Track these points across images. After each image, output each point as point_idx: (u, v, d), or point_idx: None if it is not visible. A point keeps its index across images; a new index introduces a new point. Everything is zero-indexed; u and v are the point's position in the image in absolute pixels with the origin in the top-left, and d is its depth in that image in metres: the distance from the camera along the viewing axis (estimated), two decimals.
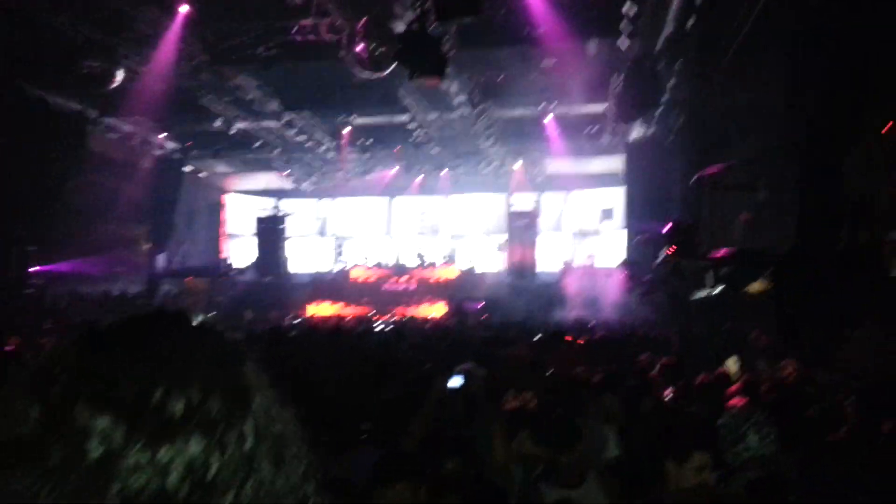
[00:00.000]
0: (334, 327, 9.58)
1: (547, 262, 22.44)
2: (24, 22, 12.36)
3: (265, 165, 23.76)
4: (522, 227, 22.22)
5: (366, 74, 13.54)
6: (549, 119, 17.91)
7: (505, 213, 23.17)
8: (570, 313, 16.72)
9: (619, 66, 13.90)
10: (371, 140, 20.69)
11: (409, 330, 12.86)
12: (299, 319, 18.51)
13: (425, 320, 18.13)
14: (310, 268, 25.51)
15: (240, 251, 25.19)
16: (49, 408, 0.71)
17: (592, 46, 14.03)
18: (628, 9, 10.74)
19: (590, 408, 5.08)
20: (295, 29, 13.09)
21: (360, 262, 23.77)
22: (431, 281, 22.24)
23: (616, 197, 21.19)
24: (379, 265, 23.53)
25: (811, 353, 7.01)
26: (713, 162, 11.02)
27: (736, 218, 10.24)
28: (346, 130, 19.71)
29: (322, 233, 27.05)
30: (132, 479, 0.69)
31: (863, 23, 7.08)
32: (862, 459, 3.66)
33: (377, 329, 14.00)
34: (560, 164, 22.43)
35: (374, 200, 26.06)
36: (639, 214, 16.55)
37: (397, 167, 23.42)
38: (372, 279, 22.89)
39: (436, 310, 20.18)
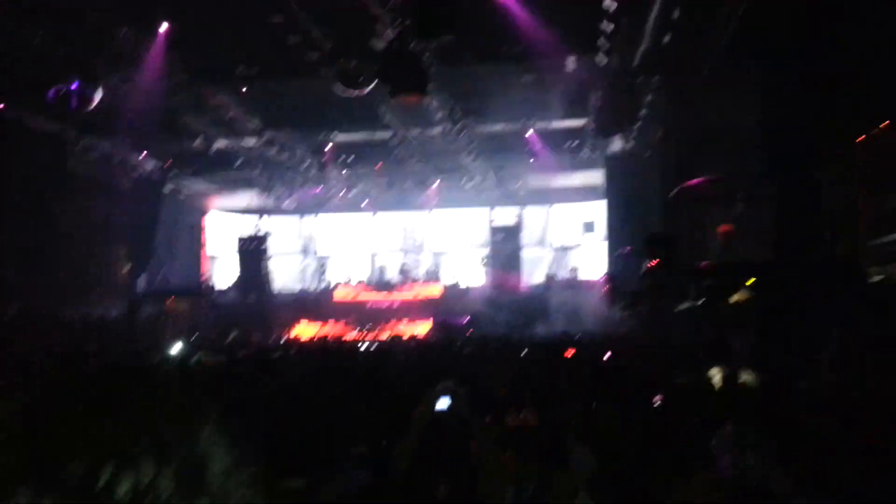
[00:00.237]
0: (320, 349, 9.53)
1: (531, 275, 22.53)
2: (1, 41, 12.26)
3: (246, 184, 23.65)
4: (505, 242, 22.30)
5: (347, 92, 13.59)
6: (529, 134, 18.04)
7: (488, 228, 23.23)
8: (555, 327, 16.78)
9: (597, 81, 14.09)
10: (353, 157, 20.70)
11: (395, 348, 12.80)
12: (284, 339, 18.38)
13: (411, 338, 18.09)
14: (293, 286, 25.39)
15: (222, 271, 24.99)
16: None
17: (571, 63, 14.20)
18: (605, 26, 10.89)
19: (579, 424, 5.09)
20: (275, 47, 13.10)
21: (344, 279, 23.69)
22: (416, 297, 22.21)
23: (597, 210, 21.36)
24: (363, 282, 23.47)
25: (793, 363, 7.09)
26: (691, 175, 11.16)
27: (715, 230, 10.37)
28: (328, 147, 19.71)
29: (305, 251, 26.95)
30: None
31: (835, 39, 7.25)
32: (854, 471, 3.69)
33: (363, 348, 13.93)
34: (542, 178, 22.61)
35: (357, 217, 26.04)
36: (620, 227, 16.71)
37: (379, 184, 23.45)
38: (356, 297, 22.81)
39: (421, 326, 20.15)
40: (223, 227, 26.24)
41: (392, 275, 23.54)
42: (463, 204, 24.68)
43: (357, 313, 21.62)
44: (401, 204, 24.80)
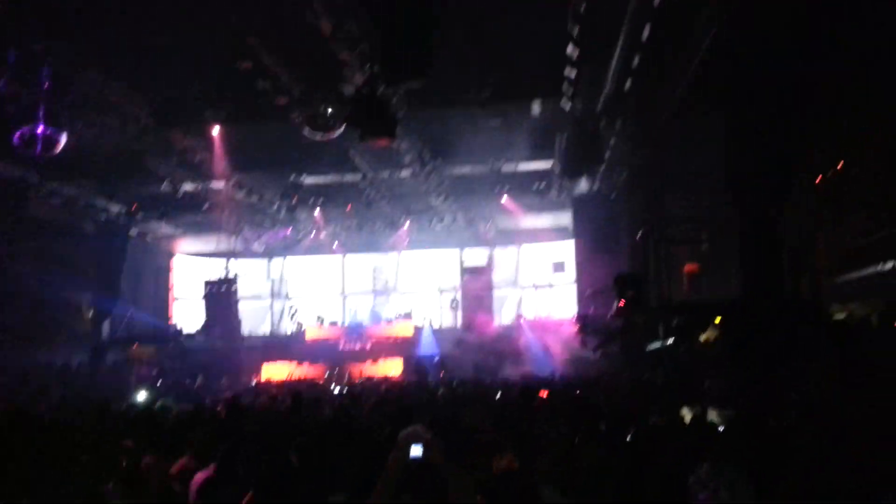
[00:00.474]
0: (291, 395, 9.39)
1: (502, 315, 22.58)
2: None
3: (214, 226, 23.46)
4: (476, 282, 22.36)
5: (316, 136, 13.66)
6: (498, 176, 18.25)
7: (458, 269, 23.29)
8: (527, 367, 16.80)
9: (562, 124, 14.40)
10: (322, 199, 20.70)
11: (366, 392, 12.66)
12: (254, 383, 18.09)
13: (383, 379, 17.92)
14: (263, 329, 25.07)
15: (189, 315, 24.58)
16: None
17: (536, 107, 14.52)
18: (569, 71, 11.18)
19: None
20: (244, 91, 13.15)
21: (315, 321, 23.46)
22: (387, 338, 22.06)
23: (567, 250, 21.59)
24: (334, 324, 23.27)
25: (762, 398, 7.18)
26: (656, 216, 11.40)
27: (681, 269, 10.57)
28: (297, 190, 19.69)
29: (275, 293, 26.69)
30: None
31: (795, 82, 7.55)
32: None
33: (335, 392, 13.77)
34: (511, 219, 22.85)
35: (327, 259, 25.94)
36: (588, 267, 16.91)
37: (348, 226, 23.45)
38: (327, 339, 22.57)
39: (393, 367, 19.99)
40: (191, 270, 25.91)
41: (363, 316, 23.39)
42: (433, 245, 24.77)
43: (329, 354, 21.38)
44: (371, 245, 24.78)
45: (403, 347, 21.24)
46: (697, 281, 10.36)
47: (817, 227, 8.54)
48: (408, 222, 22.54)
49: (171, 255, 26.05)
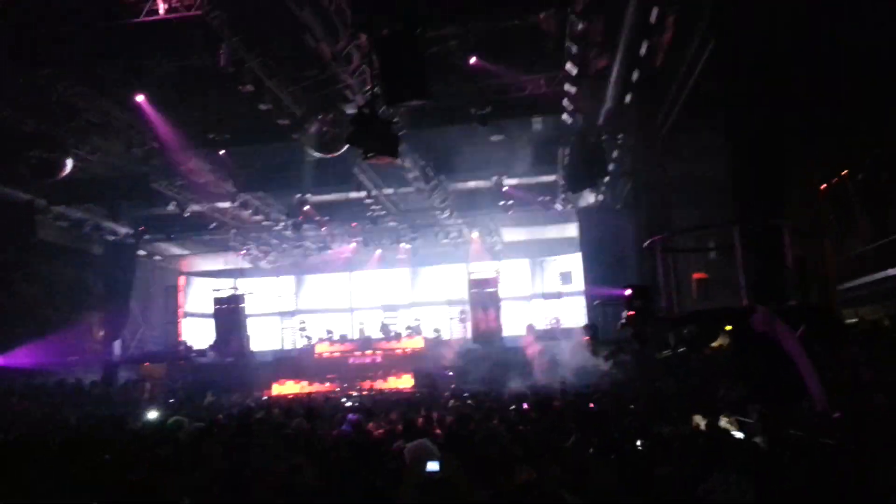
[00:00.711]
0: (305, 409, 9.41)
1: (511, 326, 22.56)
2: None
3: (222, 246, 23.59)
4: (484, 295, 22.35)
5: (319, 155, 13.74)
6: (503, 189, 18.30)
7: (466, 282, 23.31)
8: (538, 378, 16.78)
9: (565, 138, 14.45)
10: (328, 217, 20.79)
11: (378, 405, 12.67)
12: (265, 399, 18.12)
13: (394, 391, 17.94)
14: (273, 346, 25.14)
15: (199, 333, 24.67)
16: None
17: (538, 122, 14.59)
18: (569, 87, 11.24)
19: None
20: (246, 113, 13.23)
21: (325, 337, 23.51)
22: (397, 352, 22.08)
23: (574, 262, 21.57)
24: (344, 339, 23.30)
25: (774, 406, 7.15)
26: (662, 226, 11.39)
27: (690, 279, 10.53)
28: (303, 208, 19.78)
29: (283, 310, 26.80)
30: None
31: (793, 93, 7.57)
32: None
33: (346, 405, 13.79)
34: (517, 232, 22.90)
35: (335, 277, 26.03)
36: (595, 278, 16.89)
37: (355, 243, 23.52)
38: (337, 354, 22.60)
39: (403, 381, 20.00)
40: (199, 289, 26.04)
41: (373, 331, 23.41)
42: (440, 260, 24.83)
43: (339, 370, 21.40)
44: (378, 261, 24.87)
45: (414, 361, 21.24)
46: (706, 289, 10.33)
47: (824, 233, 8.53)
48: (414, 238, 22.57)
49: (179, 274, 26.21)
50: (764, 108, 7.56)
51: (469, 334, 22.59)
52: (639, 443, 6.27)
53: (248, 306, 23.67)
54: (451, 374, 19.59)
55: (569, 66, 10.49)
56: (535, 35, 10.41)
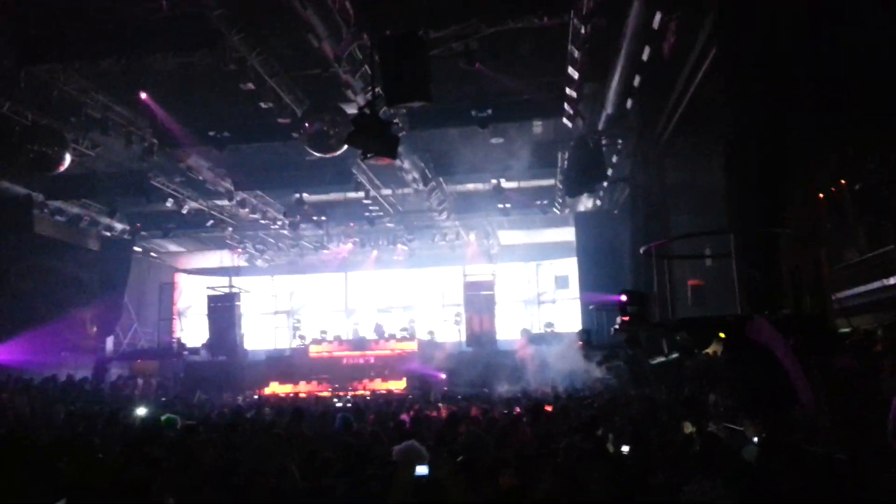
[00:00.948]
0: (294, 411, 9.40)
1: (505, 330, 22.56)
2: None
3: (218, 244, 23.59)
4: (479, 297, 22.36)
5: (318, 154, 13.74)
6: (500, 192, 18.32)
7: (462, 284, 23.32)
8: (530, 382, 16.79)
9: (564, 142, 14.48)
10: (325, 216, 20.79)
11: (370, 407, 12.66)
12: (257, 398, 18.10)
13: (387, 393, 17.93)
14: (267, 345, 25.11)
15: (193, 330, 24.63)
16: None
17: (538, 125, 14.61)
18: (569, 92, 11.26)
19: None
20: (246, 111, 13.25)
21: (319, 337, 23.49)
22: (391, 353, 22.06)
23: (570, 266, 21.61)
24: (338, 339, 23.29)
25: (768, 414, 7.17)
26: (659, 232, 11.41)
27: (685, 285, 10.55)
28: (300, 208, 19.79)
29: (278, 310, 26.77)
30: None
31: (791, 104, 7.60)
32: None
33: (338, 405, 13.79)
34: (513, 235, 22.92)
35: (330, 277, 26.02)
36: (591, 283, 16.90)
37: (352, 243, 23.52)
38: (331, 354, 22.57)
39: (396, 383, 19.98)
40: (194, 286, 26.00)
41: (367, 332, 23.41)
42: (437, 262, 24.84)
43: (332, 370, 21.37)
44: (374, 262, 24.87)
45: (407, 362, 21.22)
46: (702, 296, 10.35)
47: (821, 242, 8.56)
48: (411, 239, 22.58)
49: (174, 270, 26.20)
50: (764, 115, 7.59)
51: (465, 336, 22.60)
52: (626, 449, 6.29)
53: (243, 305, 23.66)
54: (443, 376, 19.58)
55: (570, 70, 10.52)
56: (537, 38, 10.43)
